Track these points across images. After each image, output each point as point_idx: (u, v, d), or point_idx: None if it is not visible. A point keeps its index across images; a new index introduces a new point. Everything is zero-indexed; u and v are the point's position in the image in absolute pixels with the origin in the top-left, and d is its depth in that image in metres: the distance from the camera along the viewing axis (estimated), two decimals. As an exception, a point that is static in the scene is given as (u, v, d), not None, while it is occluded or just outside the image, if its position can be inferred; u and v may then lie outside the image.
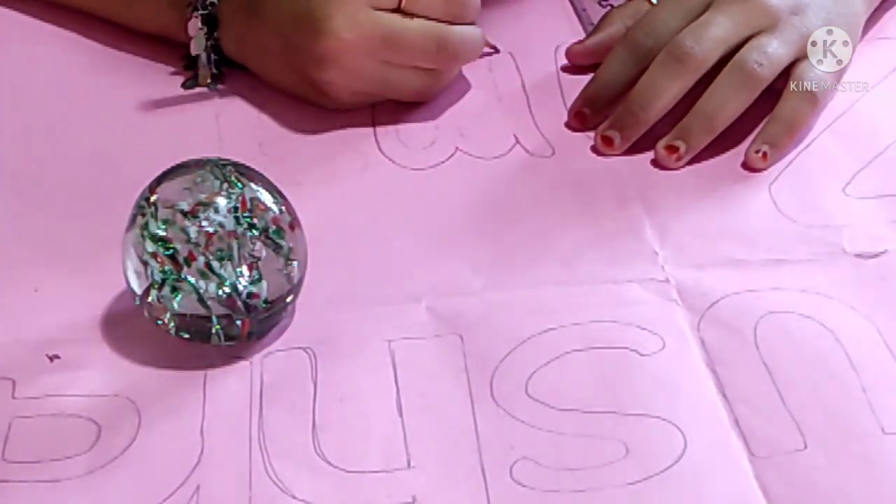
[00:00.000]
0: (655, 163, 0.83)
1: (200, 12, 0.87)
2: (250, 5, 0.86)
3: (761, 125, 0.83)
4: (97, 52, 0.93)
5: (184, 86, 0.89)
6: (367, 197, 0.81)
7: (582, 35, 0.92)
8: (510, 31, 0.94)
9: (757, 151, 0.82)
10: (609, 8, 0.93)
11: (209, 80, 0.88)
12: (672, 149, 0.82)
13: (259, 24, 0.86)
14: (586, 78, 0.87)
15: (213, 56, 0.88)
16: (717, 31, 0.83)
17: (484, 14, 0.95)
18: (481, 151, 0.84)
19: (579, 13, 0.96)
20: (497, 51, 0.91)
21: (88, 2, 0.93)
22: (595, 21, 0.93)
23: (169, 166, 0.71)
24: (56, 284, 0.75)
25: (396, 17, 0.83)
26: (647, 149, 0.84)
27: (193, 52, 0.88)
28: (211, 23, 0.87)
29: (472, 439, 0.67)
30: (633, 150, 0.84)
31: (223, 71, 0.89)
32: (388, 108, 0.87)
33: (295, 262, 0.70)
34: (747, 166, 0.82)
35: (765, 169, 0.82)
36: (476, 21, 0.86)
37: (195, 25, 0.87)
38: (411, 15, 0.83)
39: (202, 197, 0.69)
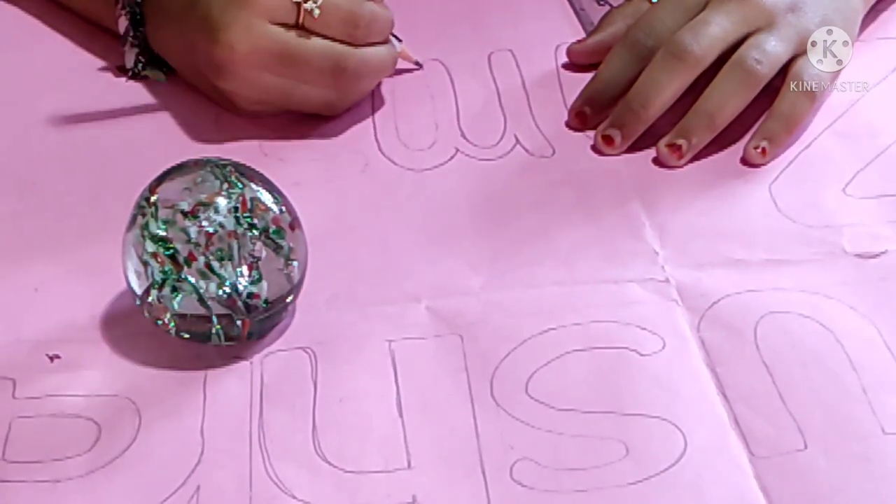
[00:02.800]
0: (656, 162, 0.83)
1: (127, 9, 0.87)
2: (164, 6, 0.86)
3: (760, 121, 0.83)
4: (97, 51, 0.93)
5: (125, 75, 0.90)
6: (367, 197, 0.81)
7: (581, 34, 0.93)
8: (510, 31, 0.94)
9: (756, 147, 0.82)
10: (608, 7, 0.93)
11: (139, 71, 0.89)
12: (674, 147, 0.82)
13: (171, 26, 0.86)
14: (587, 77, 0.87)
15: (139, 51, 0.89)
16: (715, 29, 0.83)
17: (484, 14, 0.95)
18: (482, 152, 0.84)
19: (578, 13, 0.96)
20: (420, 66, 0.90)
21: None
22: (594, 20, 0.93)
23: (169, 166, 0.71)
24: (56, 284, 0.76)
25: (293, 34, 0.82)
26: (648, 148, 0.84)
27: (121, 45, 0.89)
28: (136, 20, 0.88)
29: (472, 439, 0.67)
30: (633, 149, 0.84)
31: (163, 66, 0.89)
32: (388, 108, 0.88)
33: (295, 263, 0.70)
34: (746, 162, 0.82)
35: (764, 164, 0.82)
36: (387, 38, 0.86)
37: (123, 23, 0.88)
38: (311, 33, 0.82)
39: (202, 197, 0.69)
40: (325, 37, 0.82)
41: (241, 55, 0.82)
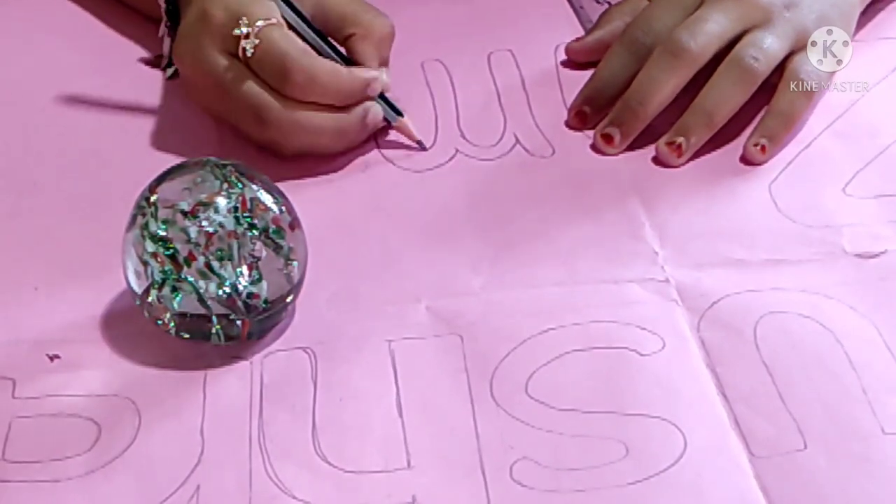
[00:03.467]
0: (656, 161, 0.83)
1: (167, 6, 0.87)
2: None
3: (758, 119, 0.83)
4: (97, 51, 0.93)
5: (166, 74, 0.89)
6: (367, 197, 0.81)
7: (580, 33, 0.92)
8: (509, 31, 0.94)
9: (756, 145, 0.82)
10: (606, 5, 0.93)
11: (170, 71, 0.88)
12: (673, 145, 0.82)
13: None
14: (586, 76, 0.87)
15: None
16: (712, 27, 0.83)
17: (483, 13, 0.95)
18: (481, 152, 0.84)
19: (577, 11, 0.96)
20: (423, 147, 0.84)
21: None
22: (593, 18, 0.93)
23: (169, 166, 0.71)
24: (56, 284, 0.76)
25: (234, 69, 0.80)
26: (647, 147, 0.84)
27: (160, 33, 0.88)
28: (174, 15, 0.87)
29: (471, 439, 0.67)
30: (632, 148, 0.84)
31: None
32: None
33: (295, 263, 0.70)
34: (746, 160, 0.82)
35: (764, 162, 0.82)
36: (355, 102, 0.81)
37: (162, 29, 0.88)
38: (250, 71, 0.80)
39: (202, 197, 0.69)
40: (261, 80, 0.80)
41: (188, 74, 0.83)
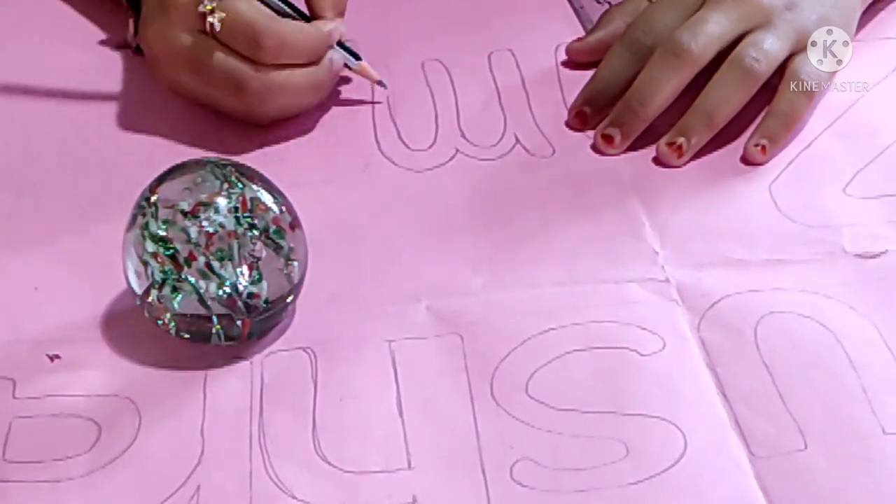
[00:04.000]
0: (656, 162, 0.83)
1: None
2: None
3: (759, 120, 0.83)
4: (97, 51, 0.93)
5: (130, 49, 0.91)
6: (367, 197, 0.81)
7: (581, 33, 0.92)
8: (510, 30, 0.94)
9: (756, 145, 0.82)
10: (607, 6, 0.93)
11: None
12: (674, 146, 0.82)
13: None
14: (586, 76, 0.87)
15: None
16: (712, 28, 0.83)
17: (483, 13, 0.95)
18: (482, 152, 0.84)
19: (577, 11, 0.96)
20: (384, 86, 0.88)
21: None
22: (593, 18, 0.93)
23: (169, 166, 0.71)
24: (56, 284, 0.76)
25: (204, 45, 0.81)
26: (648, 147, 0.84)
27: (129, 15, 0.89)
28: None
29: (472, 439, 0.67)
30: (633, 148, 0.84)
31: None
32: (388, 108, 0.88)
33: (295, 263, 0.70)
34: (746, 161, 0.83)
35: (764, 163, 0.82)
36: (315, 58, 0.83)
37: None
38: (220, 43, 0.81)
39: (202, 197, 0.69)
40: (232, 50, 0.81)
41: (158, 54, 0.83)
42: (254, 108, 0.83)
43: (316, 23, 0.84)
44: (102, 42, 0.93)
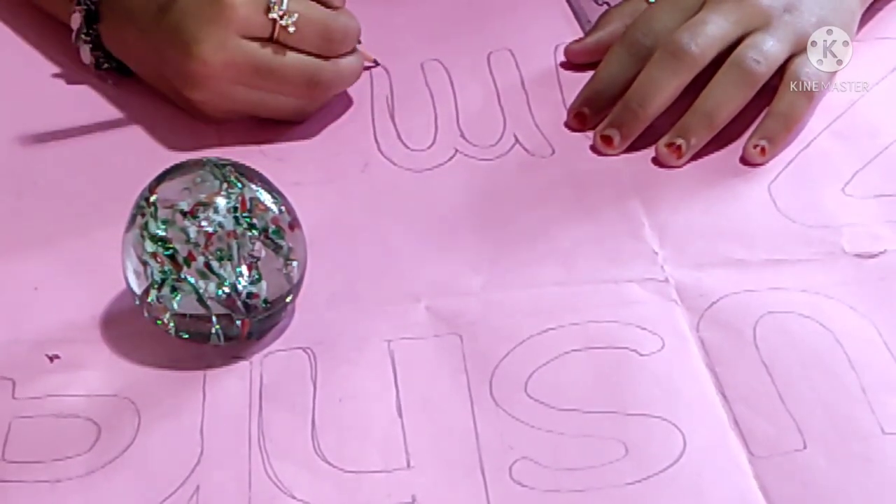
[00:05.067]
0: (656, 162, 0.83)
1: (82, 6, 0.87)
2: (126, 8, 0.85)
3: (758, 121, 0.83)
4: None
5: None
6: (366, 197, 0.81)
7: (579, 34, 0.93)
8: (509, 31, 0.94)
9: (755, 147, 0.82)
10: (606, 7, 0.93)
11: (100, 66, 0.89)
12: (673, 146, 0.82)
13: (132, 29, 0.85)
14: (586, 76, 0.87)
15: (92, 48, 0.88)
16: (712, 29, 0.83)
17: (482, 14, 0.95)
18: (481, 152, 0.84)
19: (576, 12, 0.96)
20: (377, 64, 0.90)
21: None
22: (592, 19, 0.93)
23: (168, 166, 0.71)
24: (56, 284, 0.76)
25: (268, 49, 0.82)
26: (647, 148, 0.84)
27: (74, 41, 0.88)
28: (91, 17, 0.87)
29: (471, 439, 0.67)
30: (632, 149, 0.84)
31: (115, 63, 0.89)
32: (388, 108, 0.88)
33: (294, 263, 0.70)
34: (746, 161, 0.83)
35: (763, 164, 0.82)
36: (355, 47, 0.85)
37: (76, 20, 0.88)
38: (286, 47, 0.82)
39: (202, 197, 0.69)
40: (299, 50, 0.82)
41: (216, 70, 0.81)
42: (320, 98, 0.85)
43: (344, 10, 0.85)
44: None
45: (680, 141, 0.82)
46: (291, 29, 0.81)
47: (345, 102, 0.88)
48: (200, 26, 0.81)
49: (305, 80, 0.83)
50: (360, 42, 0.87)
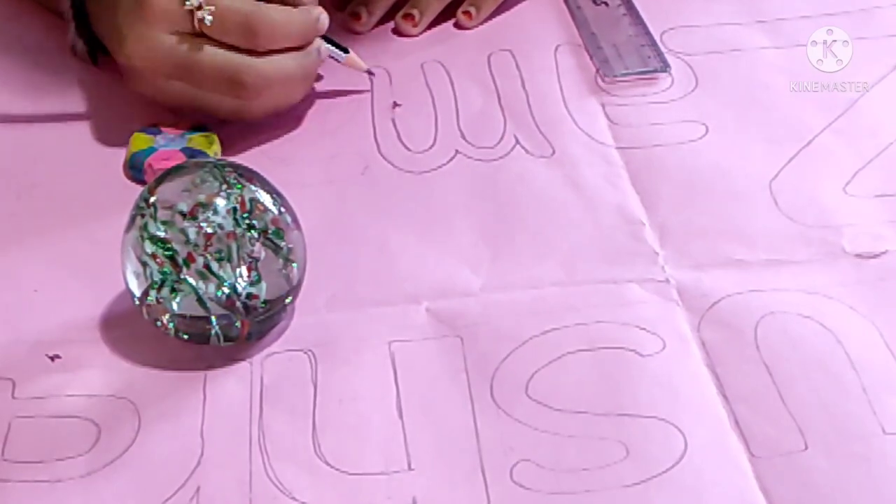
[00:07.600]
0: (656, 161, 0.83)
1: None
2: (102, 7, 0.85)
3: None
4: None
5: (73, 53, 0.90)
6: (366, 198, 0.81)
7: (578, 34, 0.93)
8: (509, 32, 0.94)
9: (464, 12, 0.93)
10: (604, 6, 0.94)
11: (78, 52, 0.89)
12: (409, 17, 0.90)
13: (97, 17, 0.86)
14: (586, 76, 0.87)
15: (81, 33, 0.88)
16: None
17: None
18: (481, 153, 0.84)
19: (574, 12, 0.96)
20: (372, 74, 0.89)
21: None
22: (591, 19, 0.93)
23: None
24: (56, 284, 0.76)
25: (192, 45, 0.79)
26: (649, 143, 0.84)
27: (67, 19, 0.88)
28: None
29: (472, 441, 0.67)
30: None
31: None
32: (388, 110, 0.87)
33: (294, 264, 0.70)
34: (458, 26, 0.93)
35: (470, 28, 0.93)
36: (303, 43, 0.82)
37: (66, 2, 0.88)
38: (210, 40, 0.80)
39: (201, 198, 0.69)
40: (224, 45, 0.80)
41: (141, 64, 0.81)
42: (248, 102, 0.81)
43: (300, 7, 0.82)
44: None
45: (414, 12, 0.92)
46: (208, 20, 0.79)
47: (345, 104, 0.88)
48: (126, 22, 0.81)
49: (227, 78, 0.80)
50: (347, 51, 0.86)
